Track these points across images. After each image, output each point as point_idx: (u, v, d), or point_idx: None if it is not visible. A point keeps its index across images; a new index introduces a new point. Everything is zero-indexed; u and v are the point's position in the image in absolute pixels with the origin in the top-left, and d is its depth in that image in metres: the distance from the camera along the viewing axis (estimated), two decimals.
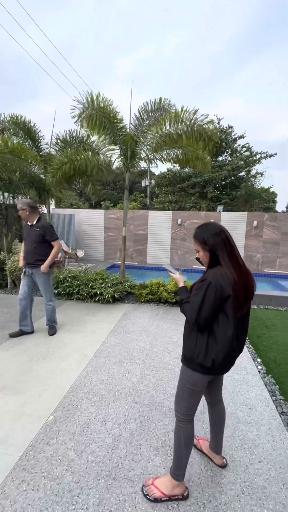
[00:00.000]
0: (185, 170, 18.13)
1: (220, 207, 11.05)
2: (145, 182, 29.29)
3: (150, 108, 4.74)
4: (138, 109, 4.76)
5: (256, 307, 5.15)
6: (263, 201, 21.74)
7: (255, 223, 9.18)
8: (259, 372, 2.87)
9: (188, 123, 4.42)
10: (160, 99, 4.69)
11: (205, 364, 1.35)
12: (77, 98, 4.31)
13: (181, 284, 1.59)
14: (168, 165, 18.85)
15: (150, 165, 25.63)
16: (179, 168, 18.73)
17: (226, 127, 17.57)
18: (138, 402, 2.28)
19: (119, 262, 10.65)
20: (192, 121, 4.43)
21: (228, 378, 2.67)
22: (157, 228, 10.01)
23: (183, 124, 4.46)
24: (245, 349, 3.35)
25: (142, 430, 1.97)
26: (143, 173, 33.27)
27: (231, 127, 17.66)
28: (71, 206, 25.78)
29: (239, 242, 9.43)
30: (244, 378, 2.71)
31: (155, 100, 4.72)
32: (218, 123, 17.55)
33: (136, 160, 5.27)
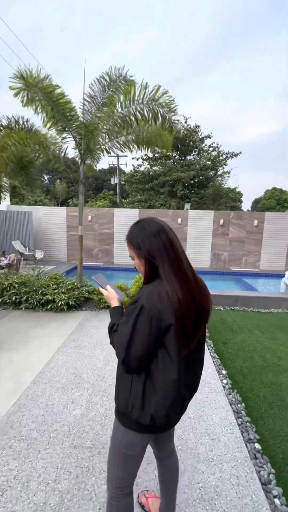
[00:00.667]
0: (154, 168, 17.92)
1: (187, 205, 10.92)
2: (114, 179, 28.64)
3: (105, 82, 4.22)
4: (90, 85, 4.22)
5: (222, 309, 4.94)
6: (230, 200, 22.35)
7: (221, 221, 9.15)
8: (224, 387, 2.56)
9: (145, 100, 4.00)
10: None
11: (141, 421, 0.93)
12: (18, 74, 3.65)
13: (113, 304, 1.15)
14: (137, 160, 18.40)
15: (107, 154, 24.99)
16: (148, 167, 18.49)
17: (193, 126, 17.66)
18: (78, 446, 1.81)
19: (84, 263, 10.05)
20: (151, 97, 4.02)
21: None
22: (123, 227, 9.53)
23: (139, 102, 4.02)
24: (210, 360, 3.05)
25: (77, 490, 1.51)
26: (113, 170, 32.49)
27: (198, 126, 17.80)
28: (35, 203, 24.22)
29: (207, 241, 9.35)
30: (207, 398, 2.37)
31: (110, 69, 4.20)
32: (186, 122, 17.62)
33: (93, 150, 4.74)
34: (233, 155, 17.10)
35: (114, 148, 4.76)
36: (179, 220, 9.20)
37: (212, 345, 3.48)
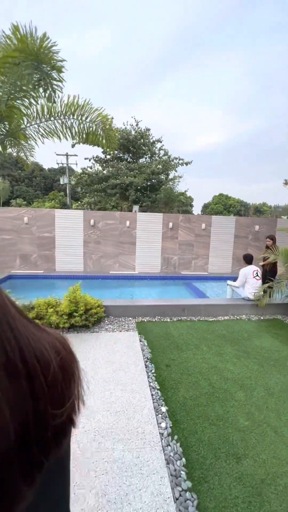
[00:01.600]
0: (104, 171, 17.23)
1: (136, 207, 10.47)
2: (63, 179, 26.97)
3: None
4: None
5: (169, 320, 4.50)
6: (181, 204, 22.84)
7: (170, 224, 8.91)
8: (162, 434, 2.01)
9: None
10: None
11: None
12: None
13: None
14: (89, 161, 17.46)
15: (55, 153, 23.59)
16: (100, 168, 17.72)
17: (144, 129, 17.56)
18: None
19: (21, 272, 8.77)
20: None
21: (115, 465, 1.70)
22: (66, 230, 8.60)
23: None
24: (148, 394, 2.48)
25: None
26: (64, 170, 30.60)
27: (149, 129, 17.77)
28: None
29: (156, 244, 9.01)
30: (137, 459, 1.78)
31: None
32: (137, 125, 17.42)
33: (15, 134, 3.85)
34: (185, 163, 17.42)
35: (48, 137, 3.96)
36: (128, 222, 8.68)
37: (153, 371, 2.94)
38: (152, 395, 2.49)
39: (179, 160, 17.37)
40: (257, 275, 4.91)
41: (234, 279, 5.35)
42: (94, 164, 17.77)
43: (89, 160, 17.57)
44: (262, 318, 4.79)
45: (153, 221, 8.98)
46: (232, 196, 48.46)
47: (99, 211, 9.55)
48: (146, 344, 3.56)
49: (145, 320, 4.47)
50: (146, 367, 2.97)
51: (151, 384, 2.67)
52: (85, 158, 17.42)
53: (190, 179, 27.18)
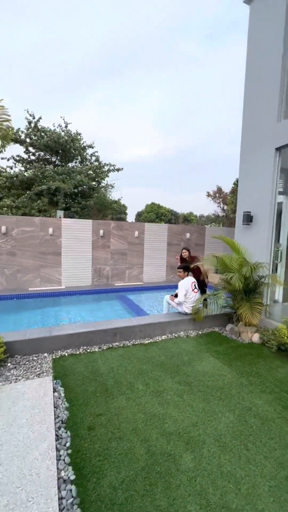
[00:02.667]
0: (26, 174, 15.23)
1: (60, 212, 9.27)
2: None
3: None
4: None
5: (97, 350, 3.63)
6: (115, 212, 22.33)
7: (101, 232, 8.09)
8: None
9: None
10: None
11: None
12: None
13: None
14: (7, 161, 15.11)
15: None
16: (22, 169, 15.61)
17: (74, 133, 16.45)
18: None
19: None
20: None
21: None
22: None
23: None
24: (54, 501, 1.56)
25: None
26: None
27: (80, 134, 16.78)
28: None
29: (86, 254, 8.02)
30: None
31: None
32: (66, 126, 16.17)
33: None
34: (116, 169, 17.03)
35: None
36: (50, 230, 7.44)
37: (68, 443, 2.02)
38: (58, 495, 1.58)
39: (110, 166, 16.92)
40: (196, 287, 4.54)
41: (173, 294, 4.88)
42: (15, 164, 15.57)
43: (7, 160, 15.29)
44: (200, 332, 4.41)
45: (81, 228, 7.98)
46: (163, 205, 51.04)
47: (12, 216, 7.97)
48: (63, 394, 2.60)
49: (66, 354, 3.48)
50: (57, 440, 2.02)
51: (63, 475, 1.75)
52: (2, 158, 15.04)
53: (123, 188, 27.08)
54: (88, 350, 3.60)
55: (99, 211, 17.36)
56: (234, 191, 27.44)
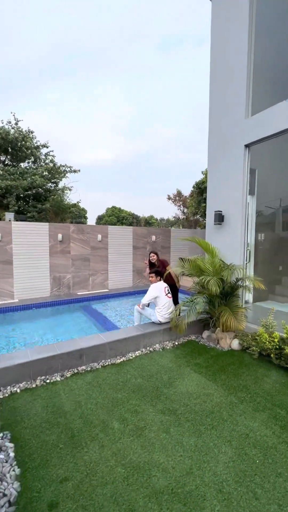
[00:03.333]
0: None
1: (9, 215, 8.17)
2: None
3: None
4: None
5: (59, 379, 2.96)
6: (75, 216, 21.17)
7: (59, 236, 7.27)
8: None
9: None
10: None
11: None
12: None
13: None
14: None
15: None
16: None
17: (25, 131, 15.09)
18: None
19: None
20: None
21: None
22: None
23: None
24: None
25: None
26: None
27: (32, 132, 15.47)
28: None
29: (43, 261, 7.12)
30: None
31: None
32: (16, 123, 14.74)
33: None
34: (73, 170, 16.13)
35: None
36: None
37: None
38: None
39: (67, 167, 15.96)
40: (169, 292, 4.15)
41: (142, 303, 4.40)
42: None
43: None
44: (176, 343, 4.02)
45: (36, 232, 7.07)
46: (124, 209, 50.74)
47: None
48: (12, 455, 1.92)
49: (18, 390, 2.75)
50: None
51: None
52: None
53: (82, 191, 25.98)
54: (48, 381, 2.91)
55: (56, 215, 16.16)
56: (192, 194, 28.34)
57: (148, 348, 3.80)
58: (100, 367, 3.27)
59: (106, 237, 8.17)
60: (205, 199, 17.58)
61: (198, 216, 19.81)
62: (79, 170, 16.67)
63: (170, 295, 4.17)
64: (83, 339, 3.53)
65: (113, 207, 46.99)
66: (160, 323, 4.11)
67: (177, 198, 28.94)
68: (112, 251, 8.30)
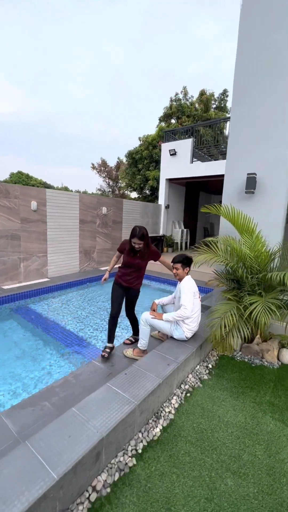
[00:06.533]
0: None
1: None
2: None
3: None
4: None
5: None
6: None
7: None
8: None
9: None
10: None
11: None
12: None
13: None
14: None
15: None
16: None
17: None
18: None
19: None
20: None
21: None
22: None
23: None
24: None
25: None
26: None
27: None
28: None
29: None
30: None
31: None
32: None
33: None
34: None
35: None
36: None
37: None
38: None
39: None
40: (199, 292, 2.71)
41: (153, 309, 2.77)
42: None
43: None
44: (209, 365, 2.73)
45: None
46: (33, 176, 43.75)
47: None
48: None
49: None
50: None
51: None
52: None
53: None
54: None
55: None
56: (119, 166, 26.26)
57: (182, 386, 2.35)
58: (129, 461, 1.62)
59: (43, 206, 5.72)
60: (139, 170, 16.25)
61: (130, 189, 18.30)
62: None
63: (200, 297, 2.75)
64: (87, 407, 1.71)
65: (19, 172, 39.34)
66: (186, 339, 2.68)
67: (101, 168, 26.24)
68: (52, 225, 5.95)
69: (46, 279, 5.81)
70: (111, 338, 2.82)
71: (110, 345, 2.81)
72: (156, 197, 15.13)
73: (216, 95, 16.74)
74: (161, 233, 9.71)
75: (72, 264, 6.57)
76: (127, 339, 3.15)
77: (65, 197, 6.21)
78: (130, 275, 2.79)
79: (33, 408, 2.02)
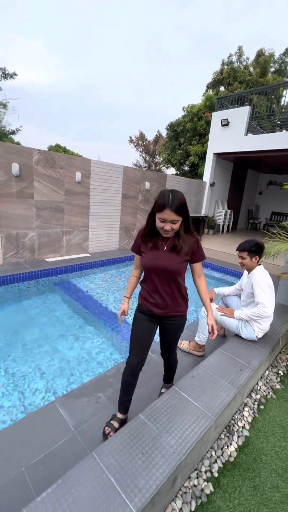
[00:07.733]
0: None
1: None
2: None
3: None
4: None
5: None
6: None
7: (15, 167, 4.28)
8: None
9: None
10: None
11: None
12: None
13: None
14: None
15: None
16: None
17: None
18: None
19: None
20: None
21: None
22: None
23: None
24: None
25: None
26: None
27: None
28: None
29: None
30: None
31: None
32: None
33: None
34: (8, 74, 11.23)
35: None
36: None
37: None
38: None
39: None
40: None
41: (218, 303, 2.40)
42: None
43: None
44: (280, 372, 2.34)
45: None
46: (70, 150, 43.76)
47: None
48: None
49: None
50: None
51: None
52: None
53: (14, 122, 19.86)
54: None
55: None
56: (157, 140, 24.94)
57: (253, 395, 2.01)
58: (205, 486, 1.36)
59: (87, 178, 5.44)
60: (180, 144, 15.13)
61: (168, 164, 17.27)
62: (15, 74, 11.84)
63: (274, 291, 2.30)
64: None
65: (57, 145, 39.66)
66: (256, 339, 2.30)
67: (139, 142, 25.15)
68: (95, 198, 5.69)
69: (86, 254, 5.69)
70: (124, 404, 1.60)
71: (121, 416, 1.61)
72: (196, 175, 14.08)
73: (276, 56, 14.53)
74: (203, 213, 9.02)
75: (112, 241, 6.36)
76: (161, 389, 1.95)
77: (109, 169, 5.85)
78: (164, 290, 1.44)
79: (88, 399, 1.84)
